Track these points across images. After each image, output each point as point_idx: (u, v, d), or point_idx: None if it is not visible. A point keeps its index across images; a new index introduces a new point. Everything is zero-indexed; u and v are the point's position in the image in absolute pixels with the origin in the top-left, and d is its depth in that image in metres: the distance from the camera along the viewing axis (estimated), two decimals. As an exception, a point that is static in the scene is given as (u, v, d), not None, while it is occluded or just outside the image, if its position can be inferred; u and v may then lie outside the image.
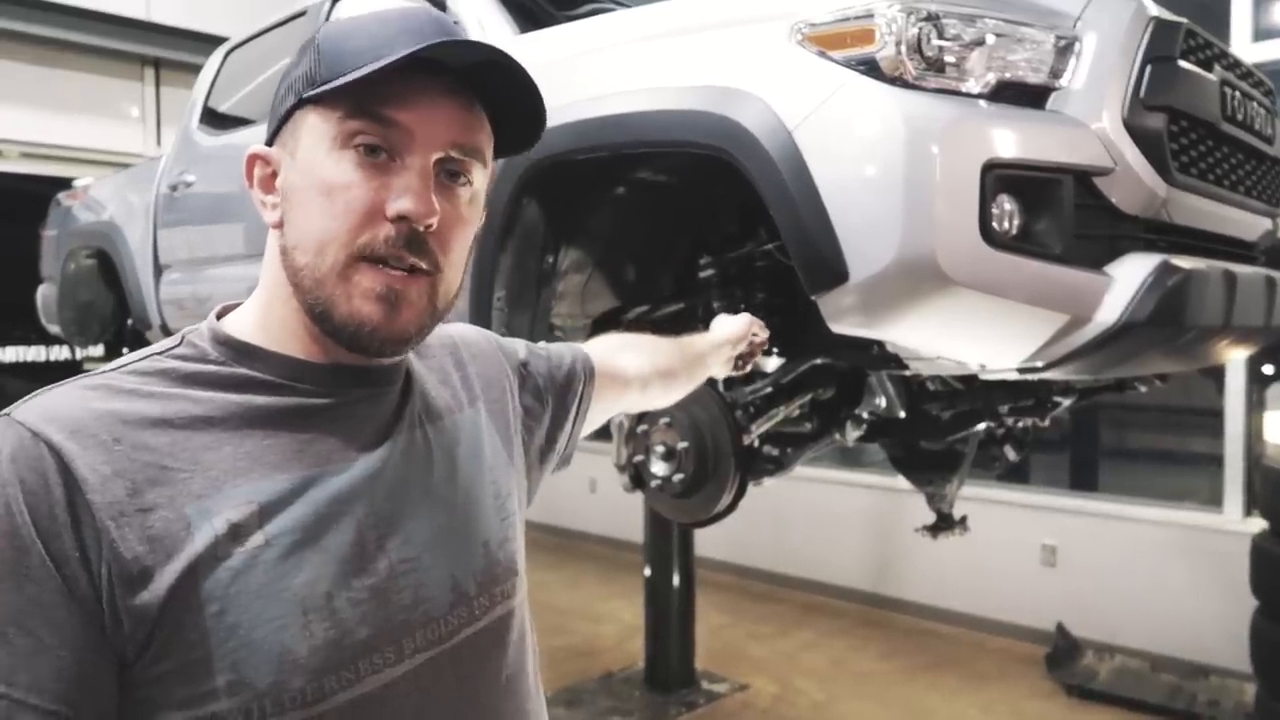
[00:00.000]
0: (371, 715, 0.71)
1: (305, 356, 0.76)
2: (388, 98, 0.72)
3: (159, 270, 3.51)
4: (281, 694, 0.66)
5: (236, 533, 0.67)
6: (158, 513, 0.65)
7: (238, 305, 0.80)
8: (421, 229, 0.72)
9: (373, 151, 0.72)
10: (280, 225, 0.76)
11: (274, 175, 0.77)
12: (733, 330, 1.42)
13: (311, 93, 0.73)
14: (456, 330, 0.99)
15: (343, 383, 0.77)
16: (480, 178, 0.79)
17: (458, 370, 0.93)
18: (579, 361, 1.09)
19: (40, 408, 0.67)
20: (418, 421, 0.83)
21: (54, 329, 4.45)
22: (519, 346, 1.05)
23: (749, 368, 1.48)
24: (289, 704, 0.66)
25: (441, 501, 0.81)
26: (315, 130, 0.74)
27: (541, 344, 1.10)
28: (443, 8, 2.31)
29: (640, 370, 1.21)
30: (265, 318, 0.77)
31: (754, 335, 1.45)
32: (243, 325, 0.77)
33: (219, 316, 0.79)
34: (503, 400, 0.96)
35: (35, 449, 0.64)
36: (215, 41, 3.94)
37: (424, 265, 0.74)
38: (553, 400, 1.03)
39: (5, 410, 0.67)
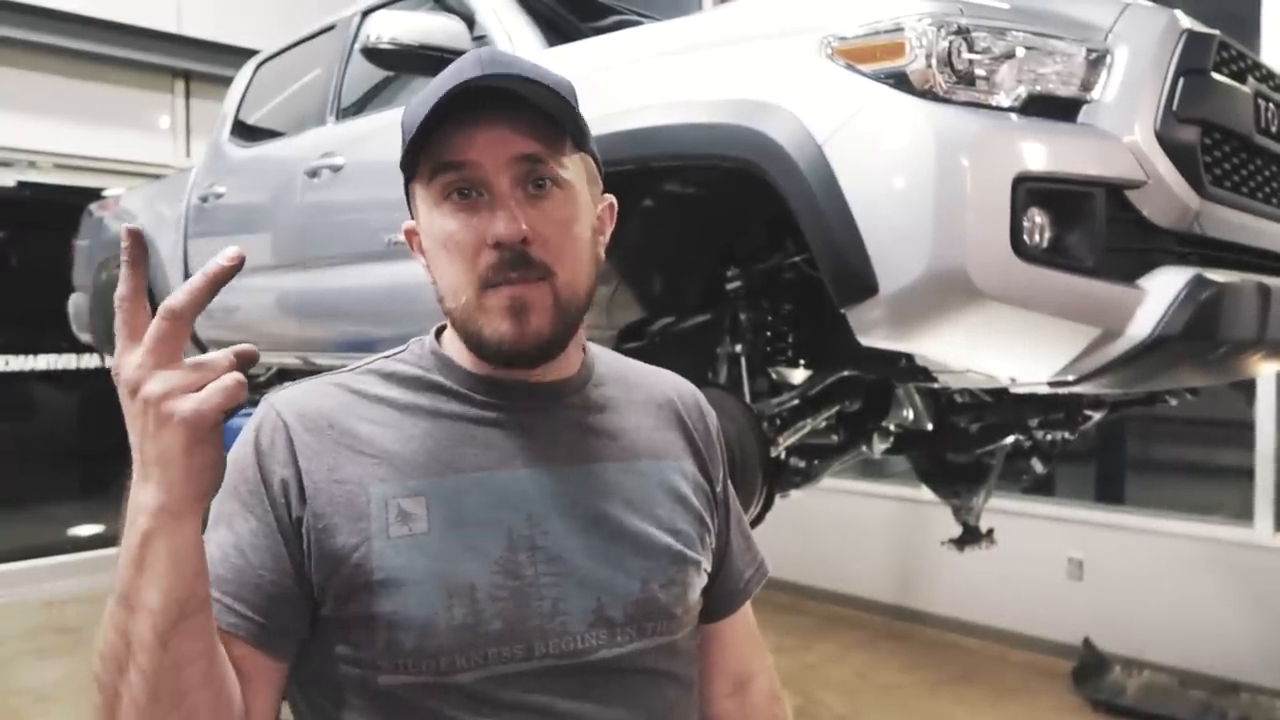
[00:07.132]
0: (493, 698, 0.79)
1: (475, 371, 0.88)
2: (450, 146, 0.81)
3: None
4: (420, 658, 0.79)
5: (406, 517, 0.81)
6: (348, 485, 0.81)
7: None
8: (519, 245, 0.80)
9: (462, 194, 0.82)
10: (434, 281, 0.88)
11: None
12: None
13: (404, 172, 0.86)
14: (710, 409, 1.02)
15: (509, 396, 0.87)
16: (567, 171, 0.84)
17: (682, 431, 0.97)
18: (753, 568, 1.04)
19: (288, 396, 0.87)
20: (612, 454, 0.90)
21: (85, 337, 4.51)
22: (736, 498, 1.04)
23: None
24: (425, 668, 0.79)
25: (610, 529, 0.86)
26: (420, 197, 0.86)
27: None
28: (471, 23, 2.33)
29: (729, 675, 1.03)
30: (453, 340, 0.90)
31: None
32: (446, 339, 0.91)
33: (442, 329, 0.93)
34: (711, 484, 0.97)
35: (275, 422, 0.83)
36: (245, 54, 3.98)
37: (533, 275, 0.82)
38: (715, 545, 0.97)
39: (267, 394, 0.87)
